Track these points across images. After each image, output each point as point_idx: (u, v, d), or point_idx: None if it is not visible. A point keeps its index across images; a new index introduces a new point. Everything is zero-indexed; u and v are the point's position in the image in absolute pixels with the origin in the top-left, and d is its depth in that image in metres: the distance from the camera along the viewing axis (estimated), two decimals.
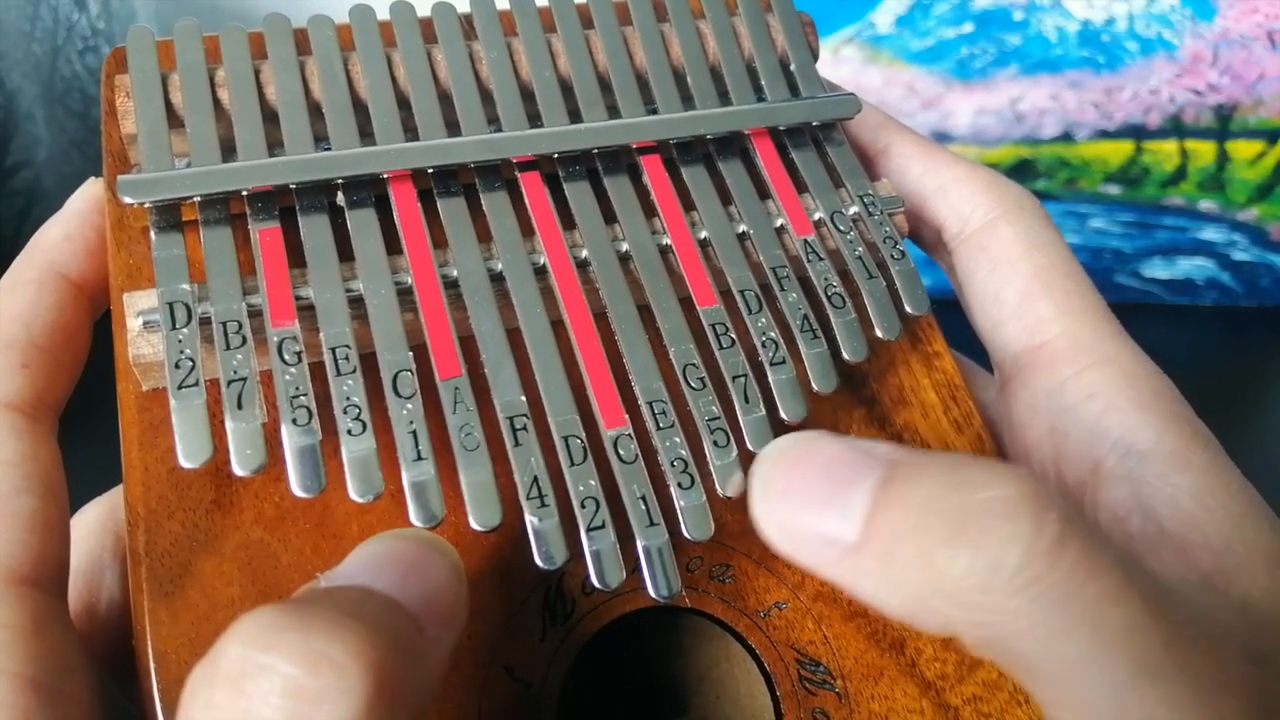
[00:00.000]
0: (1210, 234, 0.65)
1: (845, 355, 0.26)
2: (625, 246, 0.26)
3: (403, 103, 0.26)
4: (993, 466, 0.18)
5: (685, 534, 0.23)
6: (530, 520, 0.22)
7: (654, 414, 0.24)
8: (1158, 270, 0.67)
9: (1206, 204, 0.64)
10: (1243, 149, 0.63)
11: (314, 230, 0.24)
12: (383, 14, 0.27)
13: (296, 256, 0.24)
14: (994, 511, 0.17)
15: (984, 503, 0.17)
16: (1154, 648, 0.17)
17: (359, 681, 0.16)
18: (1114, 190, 0.65)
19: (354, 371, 0.22)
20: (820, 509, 0.18)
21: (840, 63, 0.62)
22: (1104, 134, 0.63)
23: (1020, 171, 0.64)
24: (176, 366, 0.22)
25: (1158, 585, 0.18)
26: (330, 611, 0.17)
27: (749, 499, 0.20)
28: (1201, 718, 0.17)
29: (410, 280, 0.24)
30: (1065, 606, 0.17)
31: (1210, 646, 0.18)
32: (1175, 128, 0.62)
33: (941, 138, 0.63)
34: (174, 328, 0.22)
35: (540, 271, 0.25)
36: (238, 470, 0.21)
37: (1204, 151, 0.63)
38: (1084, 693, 0.18)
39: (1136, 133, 0.63)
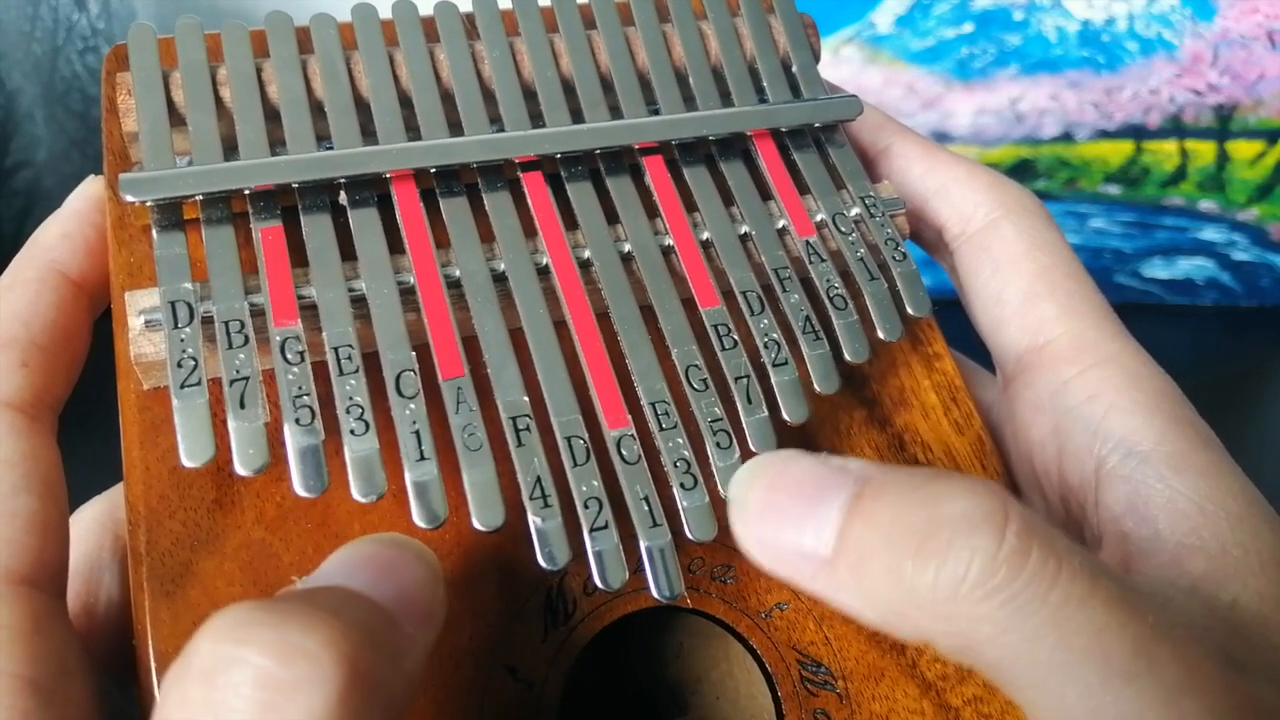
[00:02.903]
0: (1210, 234, 0.65)
1: (847, 356, 0.26)
2: (627, 247, 0.26)
3: (405, 102, 0.26)
4: (958, 481, 0.19)
5: (688, 534, 0.23)
6: (533, 520, 0.22)
7: (657, 414, 0.24)
8: (1158, 270, 0.67)
9: (1206, 204, 0.64)
10: (1243, 149, 0.63)
11: (316, 229, 0.24)
12: (385, 13, 0.27)
13: (299, 255, 0.24)
14: (957, 525, 0.18)
15: (948, 517, 0.18)
16: (1122, 649, 0.18)
17: (333, 672, 0.16)
18: (1114, 190, 0.65)
19: (356, 371, 0.22)
20: (796, 526, 0.19)
21: (840, 63, 0.62)
22: (1104, 134, 0.63)
23: (1020, 171, 0.64)
24: (179, 365, 0.22)
25: (1127, 589, 0.19)
26: (304, 605, 0.17)
27: (729, 517, 0.21)
28: (1168, 718, 0.18)
29: (413, 280, 0.24)
30: (1031, 613, 0.18)
31: (1179, 648, 0.18)
32: (1175, 128, 0.62)
33: (941, 138, 0.63)
34: (176, 326, 0.22)
35: (543, 271, 0.25)
36: (240, 470, 0.21)
37: (1204, 151, 0.63)
38: (1057, 695, 0.18)
39: (1136, 133, 0.63)
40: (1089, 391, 0.25)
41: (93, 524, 0.28)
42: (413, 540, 0.20)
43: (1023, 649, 0.18)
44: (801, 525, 0.19)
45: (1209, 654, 0.19)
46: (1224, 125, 0.62)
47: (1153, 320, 0.66)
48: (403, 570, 0.19)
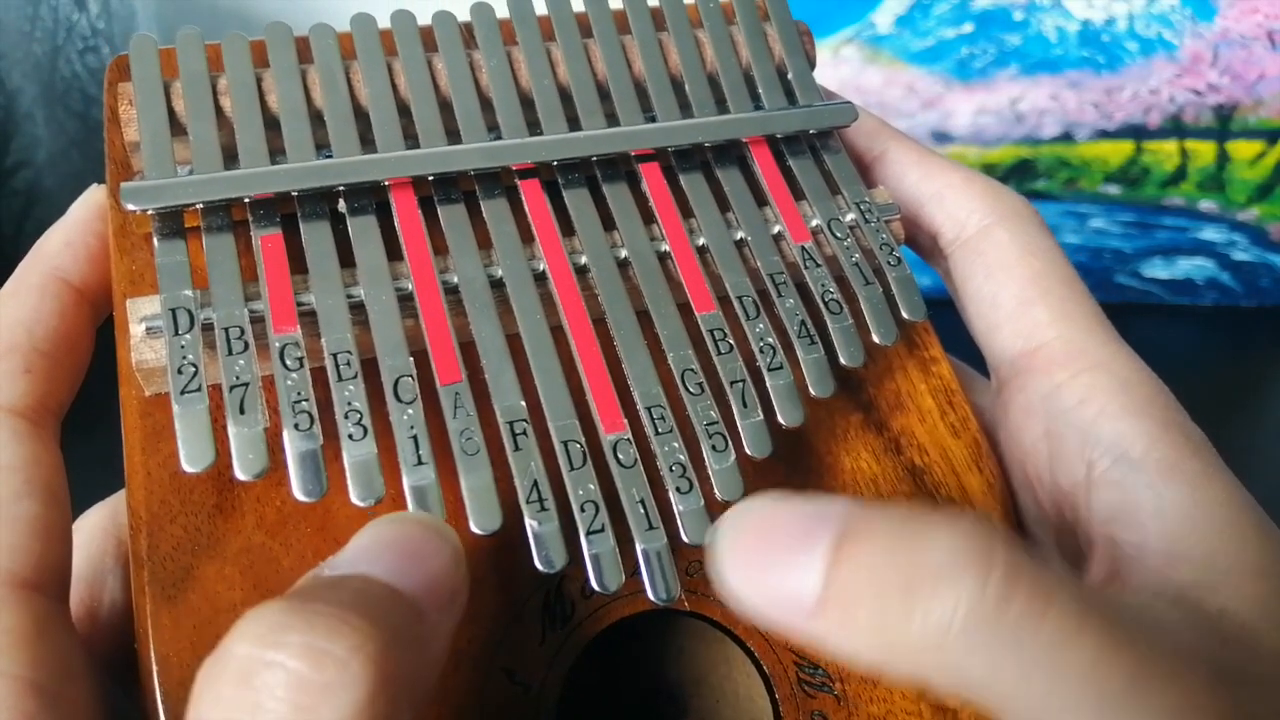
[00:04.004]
0: (1210, 234, 0.65)
1: (842, 360, 0.26)
2: (624, 253, 0.26)
3: (403, 110, 0.26)
4: (941, 521, 0.18)
5: (684, 538, 0.23)
6: (530, 524, 0.22)
7: (653, 419, 0.24)
8: (1158, 270, 0.67)
9: (1206, 204, 0.65)
10: (1243, 149, 0.63)
11: (316, 237, 0.24)
12: (383, 22, 0.27)
13: (298, 263, 0.24)
14: (941, 568, 0.18)
15: (932, 560, 0.18)
16: (1117, 681, 0.18)
17: (361, 674, 0.16)
18: (1114, 190, 0.65)
19: (355, 377, 0.23)
20: (781, 574, 0.19)
21: (840, 63, 0.62)
22: (1104, 134, 0.63)
23: (1020, 171, 0.64)
24: (179, 372, 0.22)
25: (1117, 615, 0.18)
26: (333, 607, 0.17)
27: (713, 568, 0.19)
28: None
29: (411, 286, 0.24)
30: (1021, 651, 0.17)
31: (1174, 673, 0.18)
32: (1175, 128, 0.62)
33: (941, 138, 0.64)
34: (176, 333, 0.23)
35: (540, 278, 0.25)
36: (240, 475, 0.21)
37: (1204, 151, 0.63)
38: None
39: (1136, 133, 0.63)
40: (1080, 396, 0.25)
41: (96, 529, 0.28)
42: (437, 520, 0.21)
43: (1016, 689, 0.18)
44: (786, 573, 0.19)
45: (1202, 677, 0.19)
46: (1224, 125, 0.62)
47: (1153, 320, 0.66)
48: (427, 554, 0.19)
